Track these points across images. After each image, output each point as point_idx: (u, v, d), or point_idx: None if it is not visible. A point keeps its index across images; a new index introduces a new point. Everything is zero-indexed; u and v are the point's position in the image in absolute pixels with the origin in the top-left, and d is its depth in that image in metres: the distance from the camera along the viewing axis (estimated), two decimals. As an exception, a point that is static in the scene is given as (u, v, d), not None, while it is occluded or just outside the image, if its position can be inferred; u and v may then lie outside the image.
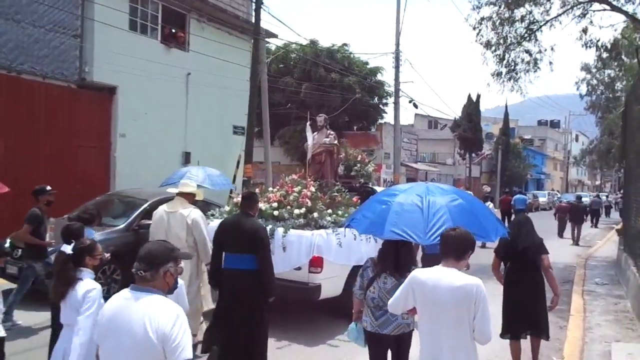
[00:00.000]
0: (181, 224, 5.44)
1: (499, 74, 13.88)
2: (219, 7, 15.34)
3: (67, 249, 3.70)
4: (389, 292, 3.56)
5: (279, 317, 6.04)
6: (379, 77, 26.36)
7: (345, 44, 25.49)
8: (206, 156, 15.51)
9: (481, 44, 14.12)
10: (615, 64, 32.08)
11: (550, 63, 13.91)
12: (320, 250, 6.08)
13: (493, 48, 14.07)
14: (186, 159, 14.94)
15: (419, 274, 3.04)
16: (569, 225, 18.62)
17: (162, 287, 2.43)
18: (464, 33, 29.47)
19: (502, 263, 5.29)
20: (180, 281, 3.78)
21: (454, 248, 2.98)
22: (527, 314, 4.97)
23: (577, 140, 66.70)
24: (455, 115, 36.11)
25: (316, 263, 6.12)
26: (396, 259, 3.73)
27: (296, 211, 6.52)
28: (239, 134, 17.16)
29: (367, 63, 25.73)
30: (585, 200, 23.91)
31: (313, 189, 6.91)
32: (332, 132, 8.15)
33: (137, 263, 2.41)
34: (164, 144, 14.09)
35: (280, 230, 6.20)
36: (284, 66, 25.18)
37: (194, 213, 5.51)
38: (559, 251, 13.76)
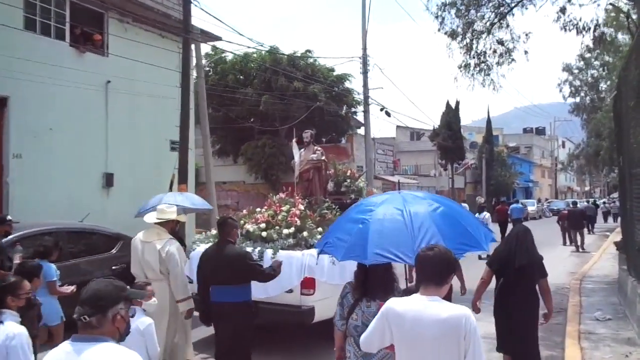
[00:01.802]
0: (154, 256, 5.08)
1: (466, 66, 11.91)
2: (145, 5, 13.30)
3: None
4: (374, 315, 2.93)
5: (271, 342, 6.03)
6: (348, 85, 24.45)
7: (308, 50, 23.59)
8: (134, 177, 13.32)
9: (445, 33, 12.21)
10: (598, 63, 30.80)
11: (526, 52, 12.02)
12: (311, 271, 5.87)
13: (459, 38, 12.13)
14: (108, 181, 12.73)
15: (396, 304, 2.58)
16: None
17: (111, 334, 2.05)
18: (437, 37, 27.77)
19: (494, 276, 4.81)
20: (147, 319, 3.73)
21: (433, 272, 2.54)
22: (517, 341, 4.63)
23: (563, 146, 65.49)
24: (433, 123, 34.28)
25: (308, 284, 5.92)
26: (376, 279, 3.41)
27: (285, 231, 6.34)
28: (177, 148, 15.01)
29: (332, 70, 23.80)
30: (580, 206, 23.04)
31: (302, 207, 6.75)
32: (319, 148, 7.96)
33: (80, 307, 2.02)
34: (76, 165, 11.89)
35: (269, 252, 6.00)
36: (243, 77, 23.16)
37: (169, 245, 5.11)
38: (552, 267, 11.68)
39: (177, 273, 5.08)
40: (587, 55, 30.70)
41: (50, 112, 11.36)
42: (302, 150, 7.98)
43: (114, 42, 12.88)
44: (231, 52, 22.94)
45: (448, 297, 6.19)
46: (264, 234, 6.40)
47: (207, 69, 23.45)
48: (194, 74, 14.02)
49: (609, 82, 29.10)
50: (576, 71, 30.73)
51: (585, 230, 23.10)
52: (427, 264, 2.57)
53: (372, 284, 3.42)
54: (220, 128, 23.47)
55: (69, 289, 5.43)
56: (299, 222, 6.48)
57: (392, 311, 2.58)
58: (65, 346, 2.06)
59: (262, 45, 21.65)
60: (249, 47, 21.87)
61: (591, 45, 12.78)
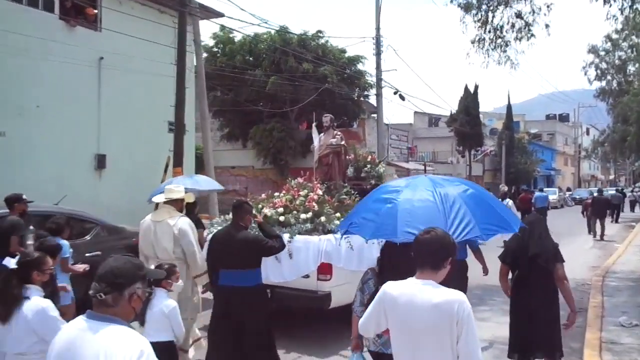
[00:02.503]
0: (168, 234, 5.04)
1: (480, 41, 10.90)
2: (141, -23, 12.62)
3: (11, 262, 3.52)
4: None
5: (287, 327, 6.05)
6: (360, 67, 23.42)
7: (319, 31, 22.60)
8: (129, 159, 12.75)
9: (459, 6, 11.22)
10: (626, 44, 29.20)
11: (547, 26, 10.95)
12: (328, 257, 5.83)
13: (474, 10, 11.14)
14: (100, 163, 12.17)
15: (391, 288, 2.53)
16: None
17: (126, 314, 1.99)
18: (451, 10, 26.54)
19: (510, 271, 4.65)
20: (172, 302, 3.92)
21: (429, 255, 2.48)
22: (538, 332, 4.35)
23: (587, 133, 63.31)
24: (451, 108, 33.09)
25: (325, 270, 5.89)
26: (401, 265, 2.93)
27: (302, 216, 6.30)
28: (179, 131, 14.37)
29: (344, 51, 22.77)
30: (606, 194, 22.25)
31: (320, 192, 6.71)
32: (339, 133, 7.82)
33: (96, 283, 1.95)
34: (66, 145, 11.34)
35: (286, 237, 5.78)
36: (253, 59, 22.33)
37: (181, 222, 5.10)
38: (572, 260, 10.76)
39: (192, 250, 5.05)
40: (615, 36, 29.25)
41: (37, 88, 10.80)
42: (322, 134, 7.83)
43: (108, 16, 12.23)
44: (239, 32, 22.14)
45: (464, 283, 5.53)
46: (281, 218, 6.35)
47: (215, 49, 22.73)
48: (194, 52, 13.27)
49: (637, 65, 27.62)
50: (602, 53, 29.24)
51: (609, 219, 22.56)
52: (424, 246, 2.50)
53: (396, 271, 3.18)
54: (229, 111, 22.76)
55: (82, 267, 5.44)
56: (316, 207, 6.43)
57: (387, 295, 2.53)
58: (79, 322, 1.97)
59: (266, 22, 21.03)
60: (253, 24, 20.98)
61: (619, 16, 11.58)
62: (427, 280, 2.44)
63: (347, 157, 8.09)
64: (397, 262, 3.22)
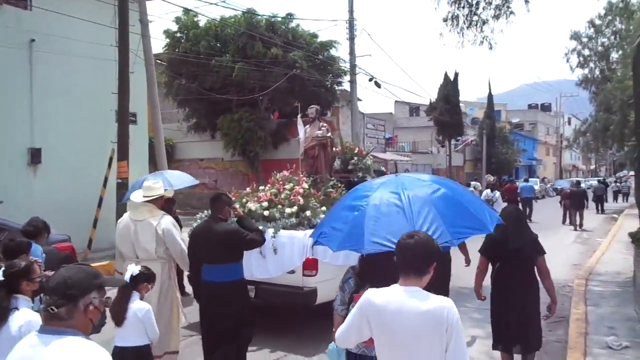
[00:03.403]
0: (150, 234, 4.82)
1: (454, 18, 9.83)
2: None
3: None
4: None
5: (273, 325, 6.10)
6: (334, 53, 22.27)
7: (290, 14, 21.38)
8: (69, 153, 11.51)
9: (431, -19, 10.12)
10: (609, 31, 28.45)
11: (526, 1, 9.93)
12: (314, 252, 5.61)
13: (448, -14, 10.07)
14: (34, 157, 10.91)
15: (374, 296, 2.43)
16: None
17: (82, 327, 1.87)
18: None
19: (490, 264, 4.58)
20: (145, 305, 3.79)
21: (413, 261, 2.39)
22: (519, 326, 4.36)
23: (569, 123, 63.10)
24: (430, 97, 32.11)
25: (310, 265, 5.79)
26: (379, 266, 3.03)
27: (287, 210, 6.20)
28: (130, 122, 13.13)
29: (315, 36, 21.58)
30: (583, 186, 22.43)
31: (306, 186, 6.64)
32: (325, 124, 7.69)
33: (47, 296, 1.86)
34: (-10, 137, 10.08)
35: (270, 232, 5.84)
36: (220, 44, 21.04)
37: (165, 221, 4.89)
38: (553, 256, 9.82)
39: (178, 249, 4.89)
40: (598, 22, 28.50)
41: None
42: (308, 126, 7.68)
43: (39, -8, 10.91)
44: (203, 14, 20.83)
45: (445, 284, 5.44)
46: (265, 212, 6.20)
47: (180, 35, 21.41)
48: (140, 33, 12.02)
49: (621, 52, 26.89)
50: (585, 39, 28.47)
51: (594, 210, 22.74)
52: (407, 252, 2.40)
53: (376, 271, 3.15)
54: (195, 100, 21.46)
55: (50, 273, 4.81)
56: (302, 201, 6.29)
57: (370, 303, 2.42)
58: (31, 338, 1.87)
59: (224, 1, 19.62)
60: (211, 3, 19.75)
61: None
62: (412, 287, 2.36)
63: (334, 149, 7.96)
64: (378, 262, 3.13)
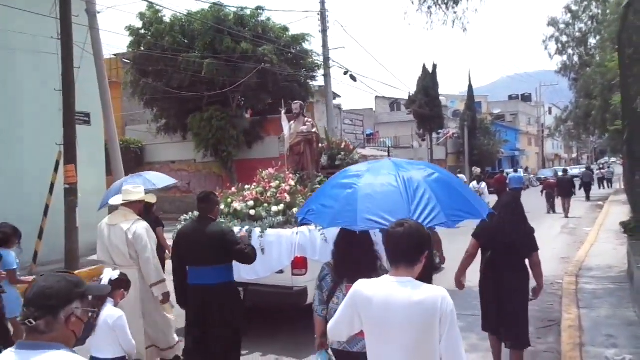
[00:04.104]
0: (121, 239, 4.72)
1: (421, -4, 8.99)
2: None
3: None
4: None
5: (263, 327, 6.02)
6: (307, 46, 21.40)
7: (259, 7, 20.45)
8: (8, 157, 10.52)
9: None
10: (586, 16, 28.01)
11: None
12: (303, 250, 5.55)
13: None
14: (-32, 163, 9.90)
15: (363, 287, 2.34)
16: (559, 201, 18.16)
17: (64, 339, 1.73)
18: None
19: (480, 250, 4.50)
20: (117, 312, 3.52)
21: (404, 250, 2.29)
22: (505, 321, 4.32)
23: (550, 112, 62.96)
24: (409, 90, 31.40)
25: (300, 264, 5.63)
26: (357, 258, 3.11)
27: (274, 208, 6.04)
28: (80, 122, 12.14)
29: (286, 29, 20.70)
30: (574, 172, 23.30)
31: (292, 183, 6.49)
32: (309, 120, 7.62)
33: (24, 309, 1.72)
34: None
35: (257, 231, 5.68)
36: (187, 40, 20.03)
37: (137, 226, 4.75)
38: (541, 249, 9.13)
39: (147, 256, 4.72)
40: (574, 7, 28.03)
41: None
42: (292, 122, 7.55)
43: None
44: (165, 8, 19.84)
45: (429, 274, 4.82)
46: (252, 212, 6.10)
47: (145, 32, 20.38)
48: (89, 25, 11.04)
49: (598, 37, 26.44)
50: (562, 26, 27.95)
51: (581, 198, 22.94)
52: (397, 241, 2.31)
53: (353, 263, 3.08)
54: (162, 100, 20.44)
55: (30, 278, 5.22)
56: (288, 199, 6.17)
57: (359, 295, 2.34)
58: (8, 356, 1.71)
59: (219, 5, 18.64)
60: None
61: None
62: (404, 277, 2.27)
63: (320, 144, 7.79)
64: (353, 254, 3.14)
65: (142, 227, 4.78)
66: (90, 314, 1.85)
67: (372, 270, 3.02)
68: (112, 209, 5.12)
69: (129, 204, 4.93)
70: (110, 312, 3.48)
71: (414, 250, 2.29)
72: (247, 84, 19.01)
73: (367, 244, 3.20)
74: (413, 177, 3.07)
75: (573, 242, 12.33)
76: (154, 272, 4.72)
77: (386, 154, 28.70)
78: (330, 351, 3.24)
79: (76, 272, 8.56)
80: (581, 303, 6.20)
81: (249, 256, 4.35)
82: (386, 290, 2.24)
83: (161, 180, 7.97)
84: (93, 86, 11.50)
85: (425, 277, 4.83)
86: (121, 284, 3.68)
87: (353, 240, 3.13)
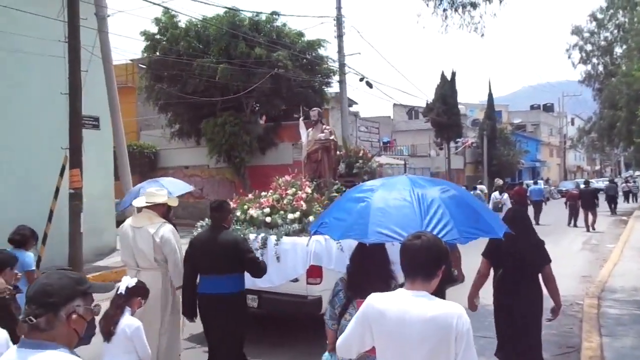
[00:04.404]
0: (148, 242, 4.67)
1: (437, -1, 8.60)
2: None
3: None
4: None
5: (277, 336, 5.99)
6: (322, 52, 21.11)
7: (275, 13, 20.28)
8: (16, 161, 10.39)
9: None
10: (612, 25, 27.25)
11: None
12: (318, 259, 5.50)
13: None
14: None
15: (376, 301, 2.25)
16: (582, 213, 17.65)
17: (65, 338, 1.71)
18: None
19: (492, 268, 4.41)
20: (135, 321, 3.52)
21: (421, 264, 2.22)
22: (518, 336, 4.21)
23: (573, 123, 61.74)
24: (426, 98, 30.91)
25: (315, 273, 5.57)
26: (367, 276, 3.07)
27: (290, 216, 6.01)
28: (89, 126, 12.00)
29: (302, 35, 20.45)
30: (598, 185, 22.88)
31: (309, 190, 6.45)
32: (328, 127, 7.60)
33: (27, 306, 1.71)
34: None
35: (272, 238, 5.71)
36: (202, 46, 19.93)
37: (164, 229, 4.71)
38: (558, 267, 8.61)
39: (175, 259, 4.70)
40: (600, 15, 27.33)
41: None
42: (310, 129, 7.54)
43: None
44: (180, 13, 19.77)
45: (442, 287, 4.63)
46: (267, 219, 6.09)
47: (159, 37, 20.32)
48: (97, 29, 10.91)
49: (624, 46, 25.68)
50: (587, 34, 27.24)
51: (608, 212, 22.50)
52: (414, 254, 2.24)
53: (367, 279, 3.04)
54: (177, 105, 20.32)
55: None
56: (304, 206, 6.14)
57: (372, 309, 2.25)
58: (10, 353, 1.73)
59: (234, 10, 18.55)
60: None
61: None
62: (419, 291, 2.19)
63: (338, 152, 7.74)
64: (367, 268, 3.13)
65: (168, 230, 4.76)
66: (93, 312, 1.81)
67: (385, 289, 2.92)
68: (132, 211, 5.26)
69: (153, 207, 4.91)
70: (128, 322, 3.47)
71: (432, 264, 2.22)
72: (261, 89, 18.79)
73: (383, 261, 3.18)
74: (427, 193, 3.07)
75: (595, 259, 11.74)
76: (181, 276, 4.67)
77: (402, 162, 28.27)
78: (336, 357, 3.19)
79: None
80: (603, 330, 5.72)
81: (260, 267, 4.38)
82: (401, 305, 2.16)
83: (177, 187, 8.00)
84: (103, 90, 11.36)
85: (439, 291, 4.91)
86: (139, 291, 3.64)
87: (368, 256, 3.12)
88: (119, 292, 3.54)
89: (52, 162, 10.39)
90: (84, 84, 10.20)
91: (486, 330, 5.20)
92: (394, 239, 2.82)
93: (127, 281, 3.62)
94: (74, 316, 1.72)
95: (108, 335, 3.39)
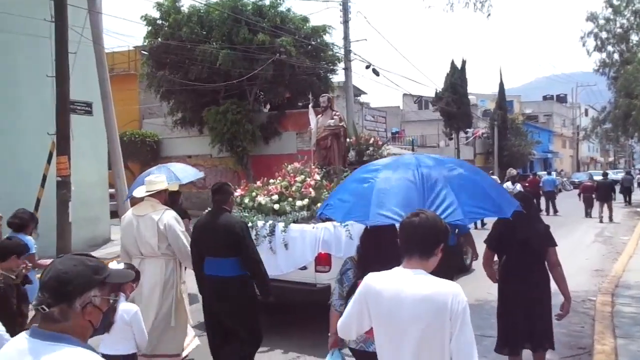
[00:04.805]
0: (152, 230, 4.69)
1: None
2: None
3: None
4: None
5: (285, 325, 5.98)
6: (327, 39, 20.54)
7: (279, -4, 19.68)
8: (3, 146, 10.04)
9: None
10: (629, 11, 26.32)
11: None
12: (327, 246, 5.44)
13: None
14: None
15: (373, 281, 2.22)
16: (596, 206, 17.35)
17: (80, 330, 1.60)
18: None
19: (495, 256, 4.39)
20: (133, 307, 3.56)
21: (418, 241, 2.19)
22: (528, 325, 4.05)
23: (586, 114, 60.44)
24: (436, 87, 30.17)
25: (323, 261, 5.50)
26: (378, 254, 2.92)
27: (298, 203, 5.97)
28: (81, 112, 11.62)
29: (306, 20, 19.87)
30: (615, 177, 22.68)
31: (318, 177, 6.44)
32: (337, 113, 7.44)
33: (40, 293, 1.59)
34: None
35: (280, 225, 5.67)
36: (205, 32, 19.42)
37: (167, 216, 4.73)
38: (570, 260, 8.12)
39: (180, 244, 4.69)
40: (616, 2, 26.39)
41: None
42: (320, 116, 7.47)
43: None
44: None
45: (450, 273, 4.44)
46: (276, 206, 6.05)
47: (161, 22, 19.89)
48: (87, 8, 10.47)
49: (641, 33, 24.77)
50: (602, 21, 26.29)
51: (622, 202, 22.16)
52: (411, 232, 2.21)
53: (378, 259, 2.79)
54: (179, 92, 19.92)
55: (48, 261, 5.04)
56: (313, 193, 6.10)
57: (369, 288, 2.22)
58: (21, 342, 1.59)
59: None
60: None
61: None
62: (416, 269, 2.14)
63: (347, 139, 7.67)
64: (378, 250, 3.00)
65: (171, 216, 4.76)
66: (110, 302, 1.73)
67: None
68: (136, 200, 5.11)
69: (155, 194, 4.91)
70: (126, 307, 3.46)
71: (429, 242, 2.18)
72: (264, 76, 18.32)
73: (394, 241, 3.04)
74: (432, 172, 2.99)
75: (608, 252, 11.18)
76: (189, 259, 4.67)
77: (404, 150, 27.70)
78: (345, 350, 3.21)
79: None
80: (618, 330, 5.21)
81: (254, 258, 4.27)
82: (397, 284, 2.12)
83: (186, 174, 7.85)
84: (88, 72, 10.97)
85: (445, 276, 4.73)
86: (134, 274, 3.54)
87: (379, 236, 3.05)
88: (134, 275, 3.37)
89: (41, 148, 10.03)
90: (73, 67, 9.82)
91: (491, 329, 4.78)
92: (395, 220, 2.78)
93: (114, 266, 3.49)
94: (89, 307, 1.61)
95: (108, 325, 3.29)
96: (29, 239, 5.02)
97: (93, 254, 6.75)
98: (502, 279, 4.26)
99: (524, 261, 4.08)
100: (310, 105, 8.07)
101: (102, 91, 10.76)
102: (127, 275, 2.51)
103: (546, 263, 4.13)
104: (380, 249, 3.01)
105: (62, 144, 9.40)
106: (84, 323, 1.61)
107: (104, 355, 3.23)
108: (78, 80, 11.30)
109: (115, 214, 11.52)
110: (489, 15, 8.63)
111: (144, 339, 3.54)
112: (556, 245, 4.12)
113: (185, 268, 5.09)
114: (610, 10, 26.38)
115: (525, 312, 4.06)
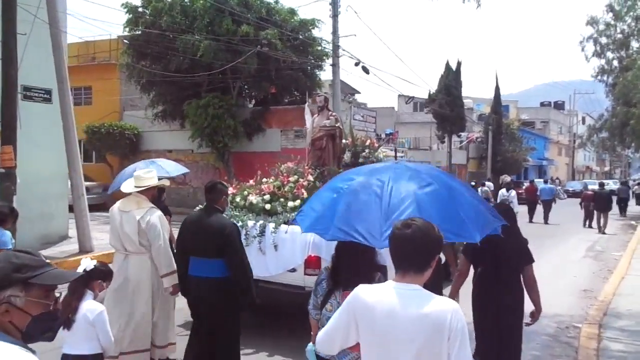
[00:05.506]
0: (133, 227, 4.62)
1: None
2: None
3: None
4: None
5: (272, 328, 5.95)
6: (316, 33, 19.73)
7: (265, -14, 18.84)
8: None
9: None
10: (630, 16, 25.63)
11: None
12: (317, 249, 5.31)
13: None
14: None
15: (364, 294, 2.08)
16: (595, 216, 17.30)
17: (1, 326, 1.52)
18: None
19: (472, 267, 4.34)
20: (98, 306, 3.35)
21: (413, 255, 2.04)
22: (497, 337, 4.06)
23: (583, 122, 59.87)
24: (429, 88, 29.38)
25: (313, 264, 5.39)
26: (352, 264, 2.93)
27: (290, 204, 5.94)
28: (39, 99, 10.79)
29: (294, 12, 19.06)
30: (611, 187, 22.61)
31: (311, 178, 6.40)
32: (334, 113, 7.41)
33: None
34: None
35: (271, 226, 5.65)
36: (188, 21, 18.56)
37: (150, 214, 4.63)
38: (556, 277, 7.40)
39: (159, 245, 4.55)
40: (617, 7, 25.71)
41: None
42: (315, 116, 7.40)
43: None
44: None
45: (439, 283, 5.07)
46: (267, 206, 6.02)
47: (143, 10, 19.04)
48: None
49: (643, 40, 24.09)
50: (602, 27, 25.62)
51: (617, 213, 21.78)
52: (404, 244, 2.04)
53: (349, 270, 2.91)
54: (160, 84, 19.08)
55: None
56: (305, 194, 5.97)
57: (360, 302, 2.08)
58: None
59: None
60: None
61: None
62: (411, 285, 2.03)
63: (343, 140, 7.58)
64: (350, 261, 2.96)
65: (155, 215, 4.64)
66: (49, 305, 1.60)
67: (369, 281, 2.64)
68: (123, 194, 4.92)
69: (143, 191, 4.78)
70: (90, 307, 3.29)
71: (424, 255, 2.04)
72: (248, 70, 17.51)
73: (368, 252, 2.99)
74: (402, 187, 2.94)
75: (599, 269, 10.42)
76: (166, 262, 4.54)
77: (401, 154, 26.94)
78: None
79: None
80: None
81: (241, 265, 4.11)
82: (391, 300, 1.99)
83: (174, 168, 7.89)
84: (43, 58, 10.17)
85: (435, 286, 4.22)
86: (98, 274, 3.45)
87: (352, 246, 2.94)
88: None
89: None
90: (25, 50, 9.05)
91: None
92: (353, 238, 2.78)
93: (86, 263, 3.43)
94: (5, 307, 1.51)
95: (67, 322, 3.20)
96: (6, 234, 4.92)
97: (46, 252, 6.72)
98: (477, 290, 4.23)
99: (499, 275, 4.06)
100: (306, 104, 7.94)
101: (59, 76, 9.91)
102: (64, 277, 2.07)
103: (522, 277, 4.11)
104: (350, 260, 2.93)
105: (8, 132, 8.61)
106: (4, 324, 1.51)
107: (67, 356, 3.28)
108: (37, 66, 10.54)
109: (72, 208, 10.73)
110: (478, 6, 7.91)
111: (108, 341, 3.35)
112: (533, 262, 4.09)
113: None
114: (611, 15, 25.70)
115: (494, 325, 4.07)
